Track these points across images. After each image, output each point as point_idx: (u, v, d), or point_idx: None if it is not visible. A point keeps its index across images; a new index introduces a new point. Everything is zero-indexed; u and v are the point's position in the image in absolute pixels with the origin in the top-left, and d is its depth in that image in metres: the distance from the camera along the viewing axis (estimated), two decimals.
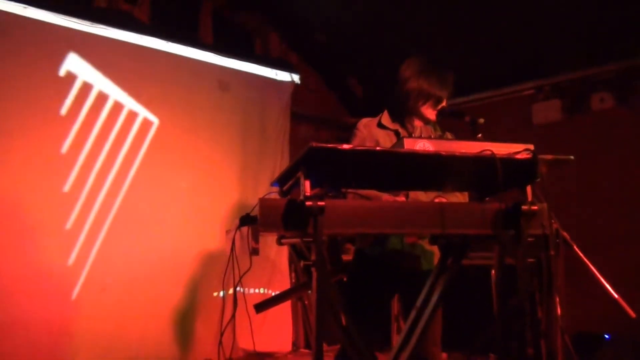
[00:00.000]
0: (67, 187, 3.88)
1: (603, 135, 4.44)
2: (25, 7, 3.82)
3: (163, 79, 4.45)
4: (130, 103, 4.24)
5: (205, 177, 4.58)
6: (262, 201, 1.65)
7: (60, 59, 3.95)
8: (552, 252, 1.87)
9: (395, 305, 4.37)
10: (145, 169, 4.25)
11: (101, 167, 4.05)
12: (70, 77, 3.99)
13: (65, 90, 3.96)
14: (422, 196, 2.42)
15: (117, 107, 4.18)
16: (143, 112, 4.30)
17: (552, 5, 4.13)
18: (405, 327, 2.28)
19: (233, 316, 2.00)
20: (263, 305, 2.27)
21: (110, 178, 4.08)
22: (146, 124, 4.30)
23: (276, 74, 5.27)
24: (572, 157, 1.85)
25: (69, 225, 3.86)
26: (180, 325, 4.26)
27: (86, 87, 4.05)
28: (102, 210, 4.01)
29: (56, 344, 3.68)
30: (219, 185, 4.66)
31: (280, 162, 5.08)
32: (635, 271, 3.97)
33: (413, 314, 2.25)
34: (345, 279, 3.01)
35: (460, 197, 2.46)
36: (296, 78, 5.37)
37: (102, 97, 4.12)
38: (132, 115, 4.24)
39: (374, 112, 2.65)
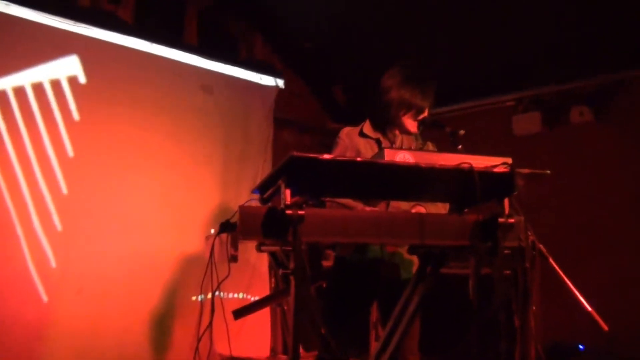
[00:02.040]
0: (45, 189, 3.83)
1: (582, 148, 4.51)
2: (7, 5, 3.77)
3: (146, 80, 4.42)
4: (111, 103, 4.20)
5: (186, 181, 4.55)
6: (242, 209, 1.66)
7: (43, 57, 3.91)
8: (528, 264, 1.90)
9: (374, 312, 4.39)
10: (124, 171, 4.21)
11: (80, 169, 4.00)
12: (53, 77, 3.95)
13: (46, 89, 3.92)
14: (403, 205, 2.45)
15: (99, 106, 4.15)
16: (124, 113, 4.26)
17: (534, 19, 4.19)
18: (382, 335, 2.30)
19: (210, 323, 2.00)
20: (242, 312, 2.28)
21: (90, 180, 4.03)
22: (127, 125, 4.26)
23: (260, 78, 5.26)
24: (548, 171, 1.88)
25: (46, 227, 3.81)
26: (157, 329, 4.23)
27: (67, 87, 4.02)
28: (80, 212, 3.96)
29: (31, 346, 3.63)
30: (200, 189, 4.64)
31: (262, 167, 5.07)
32: (610, 284, 4.03)
33: (391, 322, 2.27)
34: (324, 285, 3.02)
35: (440, 207, 2.49)
36: (280, 83, 5.36)
37: (83, 96, 4.08)
38: (114, 116, 4.20)
39: (357, 119, 2.67)
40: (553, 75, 4.56)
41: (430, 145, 2.64)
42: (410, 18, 4.58)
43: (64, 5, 4.12)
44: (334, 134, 2.65)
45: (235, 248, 1.70)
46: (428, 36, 4.63)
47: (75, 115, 4.04)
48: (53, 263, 3.81)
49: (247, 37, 5.38)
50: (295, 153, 1.58)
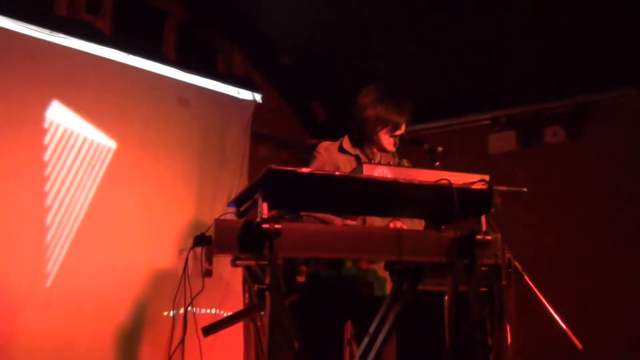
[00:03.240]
0: (14, 204, 3.74)
1: (555, 167, 4.57)
2: None
3: (122, 92, 4.36)
4: (87, 113, 4.14)
5: (161, 194, 4.48)
6: (218, 222, 1.63)
7: (17, 67, 3.84)
8: (504, 282, 1.90)
9: (348, 329, 4.36)
10: (97, 181, 4.14)
11: (49, 178, 3.92)
12: (28, 88, 3.88)
13: (22, 100, 3.84)
14: (377, 221, 2.44)
15: (74, 119, 4.08)
16: (100, 124, 4.20)
17: (510, 42, 4.27)
18: (358, 353, 2.28)
19: (183, 339, 1.95)
20: (212, 329, 2.23)
21: (58, 190, 3.95)
22: (100, 137, 4.20)
23: (238, 93, 5.25)
24: (525, 189, 1.90)
25: (15, 240, 3.71)
26: (127, 345, 4.13)
27: (43, 98, 3.95)
28: (48, 223, 3.87)
29: None
30: (175, 202, 4.57)
31: (238, 181, 5.03)
32: (585, 300, 4.07)
33: (366, 339, 2.25)
34: (297, 301, 2.99)
35: (417, 223, 2.49)
36: (258, 97, 5.35)
37: (57, 108, 4.01)
38: (88, 128, 4.14)
39: (335, 135, 2.67)
40: (528, 95, 4.64)
41: (405, 163, 2.66)
42: (389, 36, 4.62)
43: (41, 14, 4.06)
44: (312, 150, 2.64)
45: (210, 262, 1.67)
46: (407, 54, 4.68)
47: (48, 125, 3.97)
48: (18, 276, 3.71)
49: (225, 51, 5.37)
50: (273, 166, 1.56)
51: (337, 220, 2.28)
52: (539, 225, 4.50)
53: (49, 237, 3.87)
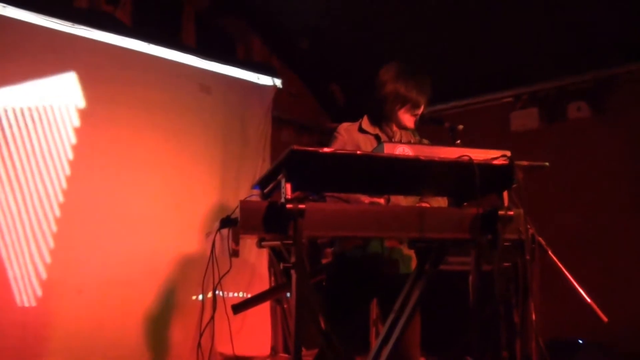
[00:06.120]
0: (45, 190, 3.83)
1: (579, 143, 4.52)
2: (4, 7, 3.78)
3: (144, 81, 4.42)
4: (109, 104, 4.21)
5: (185, 180, 4.55)
6: (243, 203, 1.66)
7: (40, 60, 3.91)
8: (528, 257, 1.90)
9: (374, 310, 4.40)
10: (123, 171, 4.22)
11: (79, 170, 4.00)
12: (51, 79, 3.95)
13: (45, 91, 3.92)
14: (401, 200, 2.45)
15: (98, 107, 4.15)
16: (123, 114, 4.26)
17: (531, 16, 4.21)
18: (383, 331, 2.30)
19: (212, 318, 2.00)
20: (241, 306, 2.28)
21: (89, 180, 4.03)
22: (125, 125, 4.27)
23: (258, 78, 5.28)
24: (547, 163, 1.89)
25: (45, 226, 3.81)
26: (157, 329, 4.23)
27: (68, 88, 4.02)
28: (79, 212, 3.96)
29: (29, 346, 3.62)
30: (199, 188, 4.64)
31: (261, 166, 5.08)
32: (608, 276, 4.04)
33: (391, 317, 2.27)
34: (324, 282, 3.03)
35: (441, 201, 2.49)
36: (278, 82, 5.38)
37: (82, 98, 4.08)
38: (112, 117, 4.21)
39: (355, 118, 2.67)
40: (550, 71, 4.58)
41: (425, 142, 2.65)
42: (409, 16, 4.59)
43: (62, 7, 4.12)
44: (332, 133, 2.66)
45: (237, 243, 1.70)
46: (427, 33, 4.64)
47: (74, 117, 4.05)
48: (53, 264, 3.81)
49: (244, 37, 5.39)
50: (295, 147, 1.58)
51: (363, 197, 2.29)
52: (563, 202, 4.46)
53: (78, 226, 3.95)
